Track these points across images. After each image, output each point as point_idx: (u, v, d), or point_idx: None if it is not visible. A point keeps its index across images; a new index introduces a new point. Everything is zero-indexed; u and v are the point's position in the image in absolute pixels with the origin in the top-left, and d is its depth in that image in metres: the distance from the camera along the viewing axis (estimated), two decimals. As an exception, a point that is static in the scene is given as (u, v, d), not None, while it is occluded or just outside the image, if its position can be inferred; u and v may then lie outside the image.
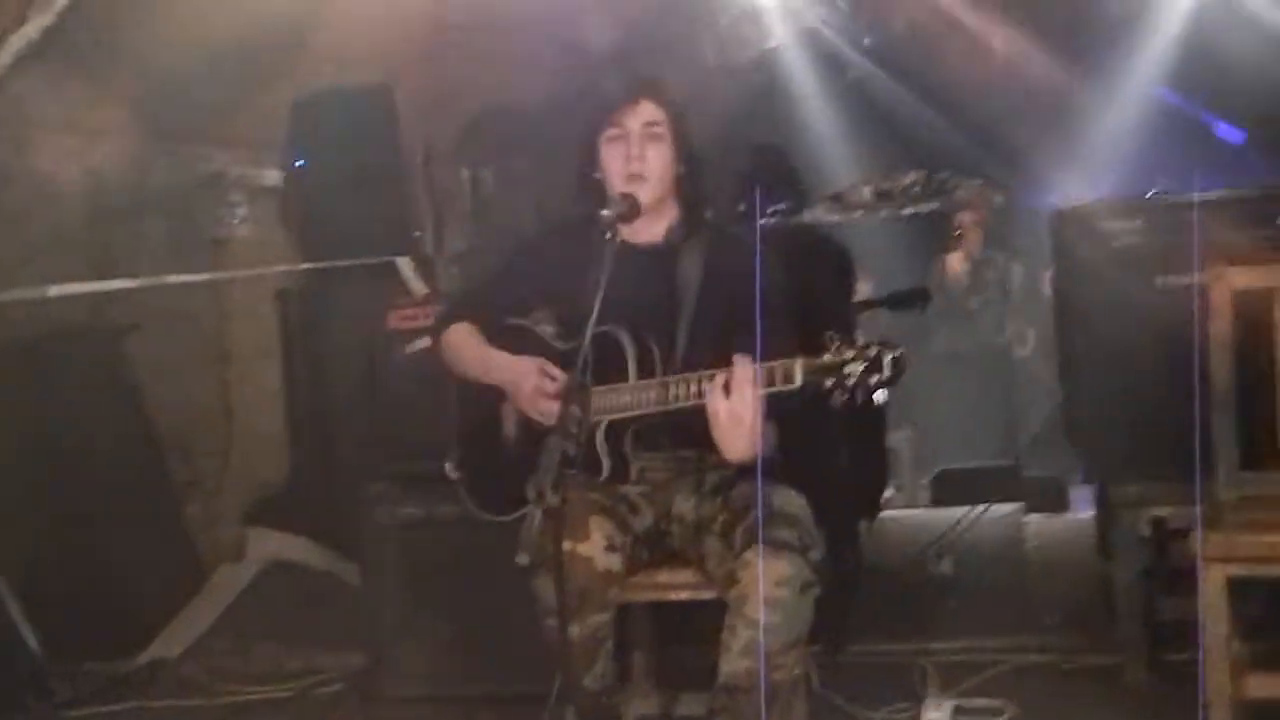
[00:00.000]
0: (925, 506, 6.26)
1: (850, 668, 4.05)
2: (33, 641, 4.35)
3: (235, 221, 6.01)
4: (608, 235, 2.92)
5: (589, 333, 2.78)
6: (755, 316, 2.91)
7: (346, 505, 4.46)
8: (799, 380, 2.71)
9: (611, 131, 3.12)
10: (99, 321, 5.36)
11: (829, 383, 2.67)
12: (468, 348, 3.30)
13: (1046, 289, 7.80)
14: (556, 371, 3.06)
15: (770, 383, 2.76)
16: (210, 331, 6.11)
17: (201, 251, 5.98)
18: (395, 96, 5.70)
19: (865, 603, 4.35)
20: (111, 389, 5.30)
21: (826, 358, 2.68)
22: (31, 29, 4.63)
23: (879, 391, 2.63)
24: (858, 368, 2.64)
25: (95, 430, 5.09)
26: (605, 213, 2.97)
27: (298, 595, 5.07)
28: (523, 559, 2.53)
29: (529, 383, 3.11)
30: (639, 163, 3.10)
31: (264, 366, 6.16)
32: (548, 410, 2.99)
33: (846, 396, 2.66)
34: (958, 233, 7.59)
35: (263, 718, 4.24)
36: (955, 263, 7.53)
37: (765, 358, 2.78)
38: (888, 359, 2.63)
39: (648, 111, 3.12)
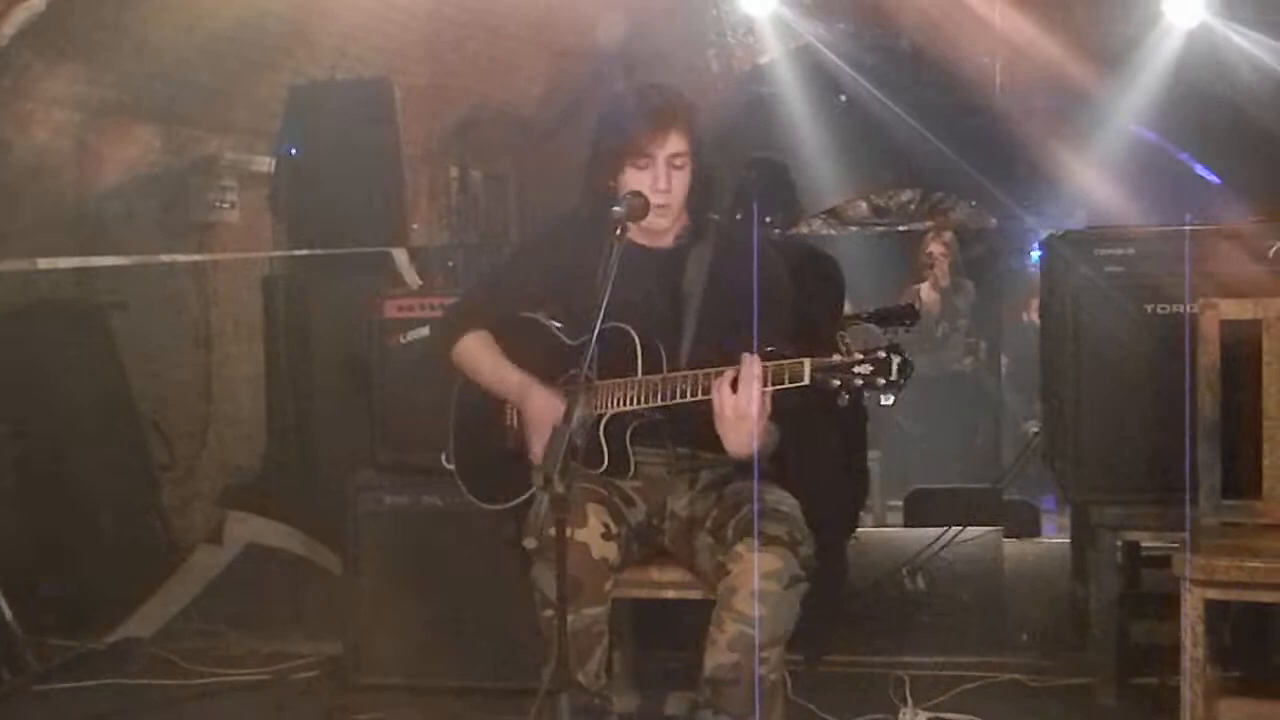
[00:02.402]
0: (895, 526, 6.33)
1: (824, 679, 4.08)
2: (8, 614, 4.31)
3: (225, 206, 6.02)
4: (616, 232, 2.95)
5: (596, 328, 2.82)
6: (758, 318, 2.98)
7: (329, 493, 4.46)
8: (807, 379, 2.77)
9: (639, 160, 3.14)
10: (85, 297, 5.34)
11: (836, 383, 2.73)
12: (482, 358, 3.33)
13: (1024, 315, 7.94)
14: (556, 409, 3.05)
15: (779, 380, 2.81)
16: (194, 314, 6.12)
17: (190, 234, 5.99)
18: (393, 91, 5.72)
19: (839, 617, 4.39)
20: (94, 365, 5.29)
21: (836, 358, 2.74)
22: (38, 1, 4.62)
23: (886, 394, 2.70)
24: (866, 369, 2.71)
25: (76, 405, 5.08)
26: (616, 209, 3.00)
27: (275, 580, 5.06)
28: (530, 543, 2.55)
29: (544, 418, 3.10)
30: (665, 195, 3.14)
31: (246, 351, 6.18)
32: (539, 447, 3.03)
33: (850, 397, 2.72)
34: (929, 262, 7.70)
35: (236, 701, 4.21)
36: (925, 291, 7.65)
37: (772, 358, 2.84)
38: (895, 362, 2.70)
39: (675, 143, 3.14)
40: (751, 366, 2.82)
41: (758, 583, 2.89)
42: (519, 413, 3.26)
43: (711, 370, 2.91)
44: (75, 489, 4.97)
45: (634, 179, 3.14)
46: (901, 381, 2.72)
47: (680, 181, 3.16)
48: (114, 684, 4.32)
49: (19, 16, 4.65)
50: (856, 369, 2.73)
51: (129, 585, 4.96)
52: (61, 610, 4.70)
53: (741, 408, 2.83)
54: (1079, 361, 3.85)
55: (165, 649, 4.56)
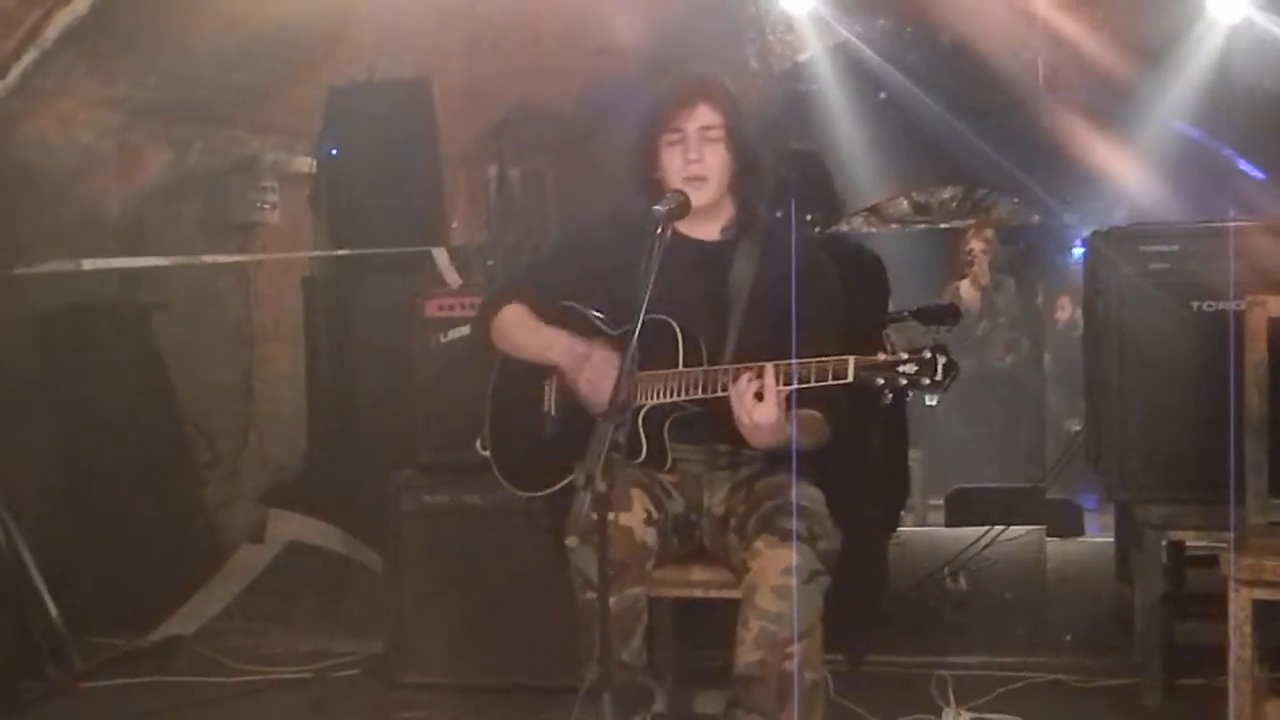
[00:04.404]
0: (936, 526, 6.30)
1: (866, 679, 4.06)
2: (54, 612, 4.35)
3: (266, 207, 6.05)
4: (658, 230, 2.95)
5: (640, 320, 2.81)
6: (802, 315, 2.98)
7: (370, 491, 4.47)
8: (851, 376, 2.76)
9: (670, 135, 3.16)
10: (129, 298, 5.38)
11: (880, 381, 2.72)
12: (524, 326, 3.30)
13: (1062, 313, 7.89)
14: (615, 360, 3.04)
15: (823, 377, 2.80)
16: (235, 314, 6.16)
17: (231, 234, 6.02)
18: (432, 91, 5.74)
19: (881, 617, 4.37)
20: (138, 365, 5.33)
21: (881, 356, 2.74)
22: (80, 4, 4.65)
23: (930, 394, 2.69)
24: (911, 369, 2.69)
25: (121, 404, 5.12)
26: (657, 208, 3.00)
27: (317, 578, 5.09)
28: (572, 541, 2.55)
29: (590, 366, 3.13)
30: (698, 165, 3.14)
31: (287, 351, 6.21)
32: (601, 399, 3.00)
33: (894, 396, 2.71)
34: (969, 260, 7.66)
35: (279, 699, 4.24)
36: (965, 288, 7.60)
37: (817, 354, 2.83)
38: (941, 363, 2.69)
39: (705, 115, 3.15)
40: (768, 376, 2.83)
41: (770, 579, 2.90)
42: (564, 380, 3.21)
43: (745, 367, 2.91)
44: (119, 488, 5.01)
45: (668, 157, 3.16)
46: (946, 382, 2.71)
47: (715, 155, 3.15)
48: (158, 682, 4.36)
49: (61, 19, 4.67)
50: (901, 368, 2.72)
51: (172, 584, 5.00)
52: (106, 609, 4.74)
53: (757, 418, 2.83)
54: (1124, 359, 3.81)
55: (208, 647, 4.60)
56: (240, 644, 4.62)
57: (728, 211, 3.24)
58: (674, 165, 3.15)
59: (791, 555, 2.89)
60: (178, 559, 5.13)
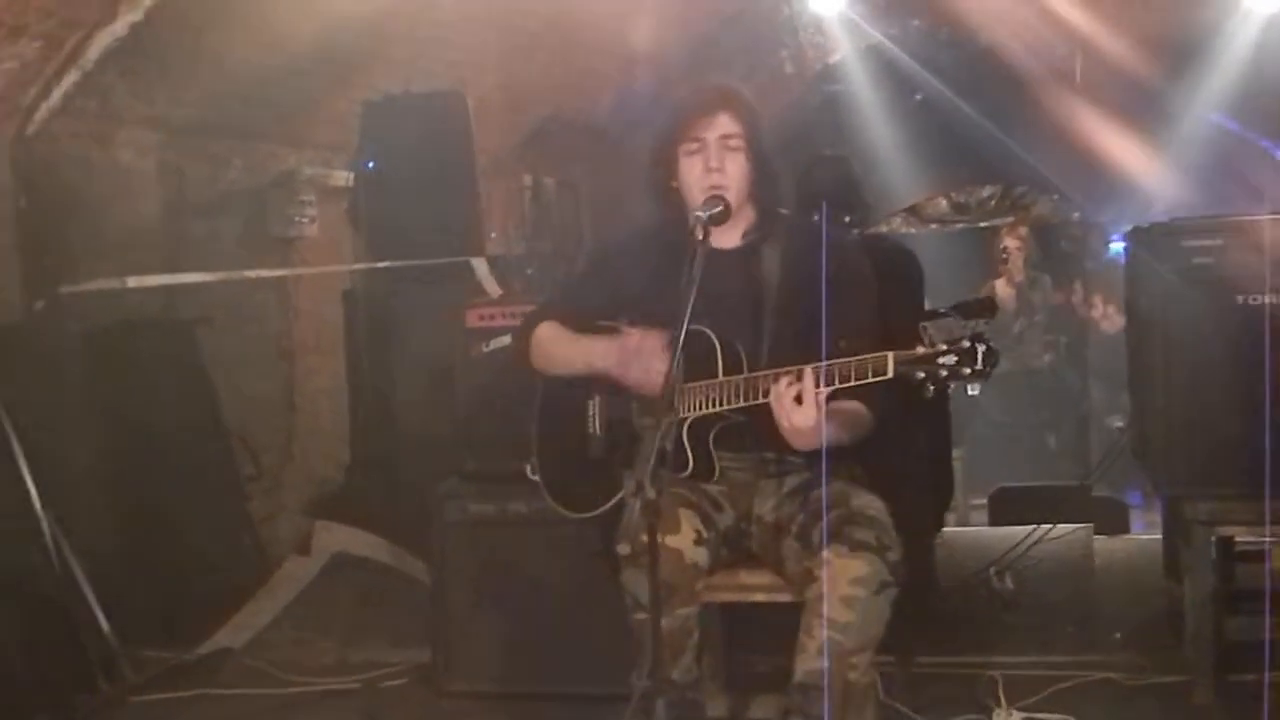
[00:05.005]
0: (978, 525, 6.26)
1: (916, 680, 4.04)
2: (105, 625, 4.39)
3: (305, 221, 6.10)
4: (700, 236, 2.96)
5: (682, 332, 2.82)
6: (836, 315, 2.97)
7: (414, 501, 4.49)
8: (891, 372, 2.75)
9: (689, 145, 3.16)
10: (172, 314, 5.43)
11: (921, 374, 2.71)
12: (562, 342, 3.33)
13: (1101, 309, 7.84)
14: (657, 335, 3.08)
15: (863, 375, 2.80)
16: (276, 328, 6.21)
17: (271, 249, 6.07)
18: (466, 103, 5.78)
19: (929, 617, 4.35)
20: (182, 380, 5.37)
21: (920, 350, 2.72)
22: (120, 25, 4.70)
23: (972, 383, 2.68)
24: (950, 359, 2.68)
25: (166, 419, 5.16)
26: (699, 214, 3.01)
27: (363, 589, 5.11)
28: (624, 549, 2.56)
29: (636, 351, 3.13)
30: (719, 175, 3.14)
31: (327, 364, 6.25)
32: (661, 371, 2.93)
33: (936, 389, 2.71)
34: (1004, 258, 7.62)
35: (327, 709, 4.26)
36: (1001, 287, 7.57)
37: (854, 353, 2.83)
38: (980, 351, 2.68)
39: (725, 124, 3.15)
40: (806, 379, 2.83)
41: (840, 590, 2.88)
42: (615, 381, 3.22)
43: (784, 371, 2.91)
44: (166, 502, 5.04)
45: (687, 167, 3.16)
46: (987, 370, 2.70)
47: (736, 165, 3.15)
48: (207, 694, 4.38)
49: (102, 40, 4.73)
50: (941, 359, 2.71)
51: (220, 597, 5.03)
52: (155, 622, 4.77)
53: (797, 421, 2.84)
54: (1168, 355, 3.79)
55: (258, 659, 4.63)
56: (289, 655, 4.65)
57: (748, 217, 3.24)
58: (693, 175, 3.15)
59: (863, 566, 2.89)
60: (225, 572, 5.17)
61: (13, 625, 4.11)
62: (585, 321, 3.32)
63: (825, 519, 2.97)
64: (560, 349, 3.33)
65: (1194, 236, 3.78)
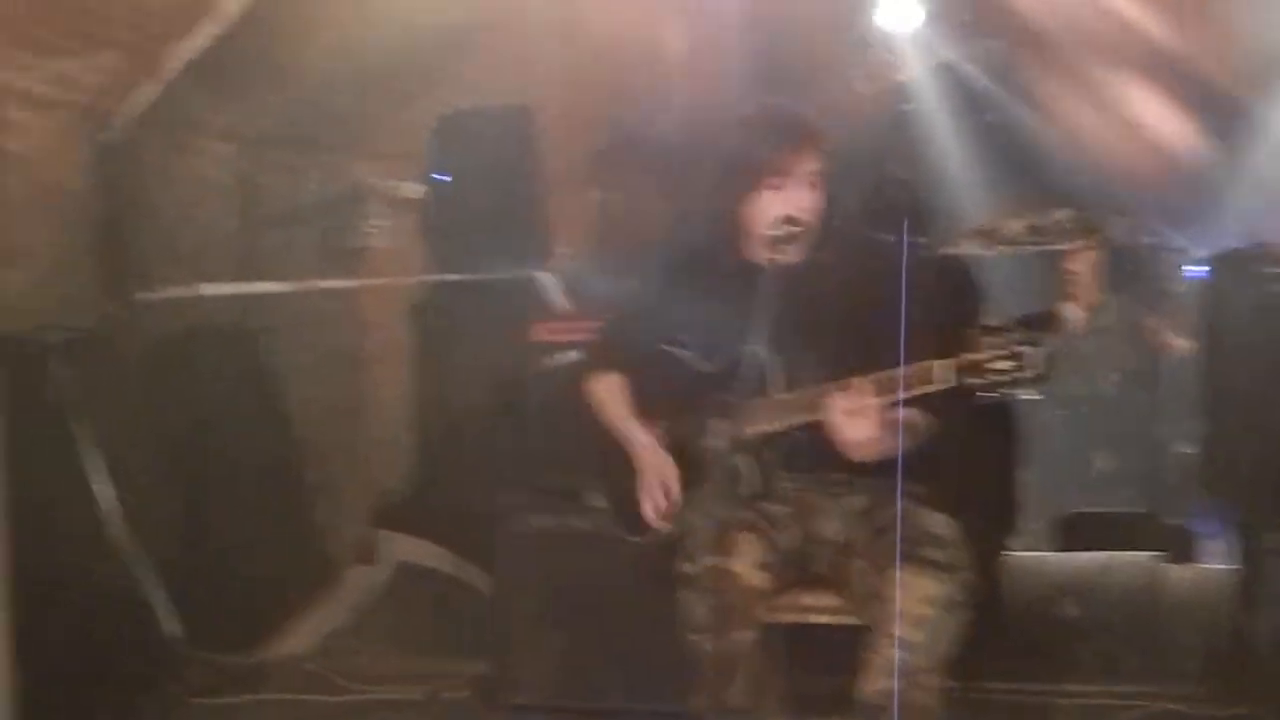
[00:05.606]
0: (1042, 550, 6.18)
1: (978, 704, 4.00)
2: (172, 628, 4.44)
3: (375, 232, 6.15)
4: (772, 259, 2.97)
5: (744, 351, 2.83)
6: (892, 328, 2.94)
7: (479, 513, 4.51)
8: (950, 381, 2.74)
9: (771, 180, 3.15)
10: (243, 322, 5.49)
11: (978, 382, 2.69)
12: (605, 409, 3.43)
13: (1172, 334, 7.73)
14: (674, 487, 3.18)
15: (924, 383, 2.79)
16: (344, 338, 6.26)
17: (341, 259, 6.13)
18: (535, 118, 5.82)
19: (992, 641, 4.30)
20: (251, 388, 5.43)
21: (975, 356, 2.70)
22: (199, 39, 4.77)
23: (1032, 389, 2.67)
24: (1009, 364, 2.66)
25: (236, 427, 5.21)
26: (775, 233, 3.02)
27: (426, 599, 5.14)
28: (688, 567, 2.57)
29: (648, 480, 3.23)
30: (797, 208, 3.14)
31: (394, 374, 6.29)
32: (650, 515, 3.16)
33: (999, 396, 2.70)
34: (1071, 280, 7.53)
35: (388, 718, 4.28)
36: (1069, 310, 7.47)
37: (909, 362, 2.83)
38: (1040, 355, 2.65)
39: (808, 160, 3.15)
40: (864, 392, 2.81)
41: (909, 609, 2.88)
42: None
43: (845, 383, 2.91)
44: (233, 509, 5.09)
45: (765, 200, 3.14)
46: (1049, 375, 2.67)
47: (813, 199, 3.16)
48: (272, 699, 4.42)
49: (181, 53, 4.80)
50: (1000, 365, 2.69)
51: (284, 603, 5.08)
52: (220, 627, 4.81)
53: (855, 435, 2.84)
54: (1247, 382, 3.75)
55: (321, 666, 4.66)
56: (352, 663, 4.67)
57: (812, 235, 3.23)
58: (771, 210, 3.14)
59: (933, 585, 2.88)
60: (289, 579, 5.21)
61: (80, 626, 4.16)
62: (644, 350, 3.35)
63: (895, 537, 2.96)
64: (605, 411, 3.42)
65: (1273, 264, 3.74)
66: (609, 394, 3.42)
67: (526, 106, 5.94)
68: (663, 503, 3.18)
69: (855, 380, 2.87)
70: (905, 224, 4.08)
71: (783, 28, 6.64)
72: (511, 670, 4.21)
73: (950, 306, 3.38)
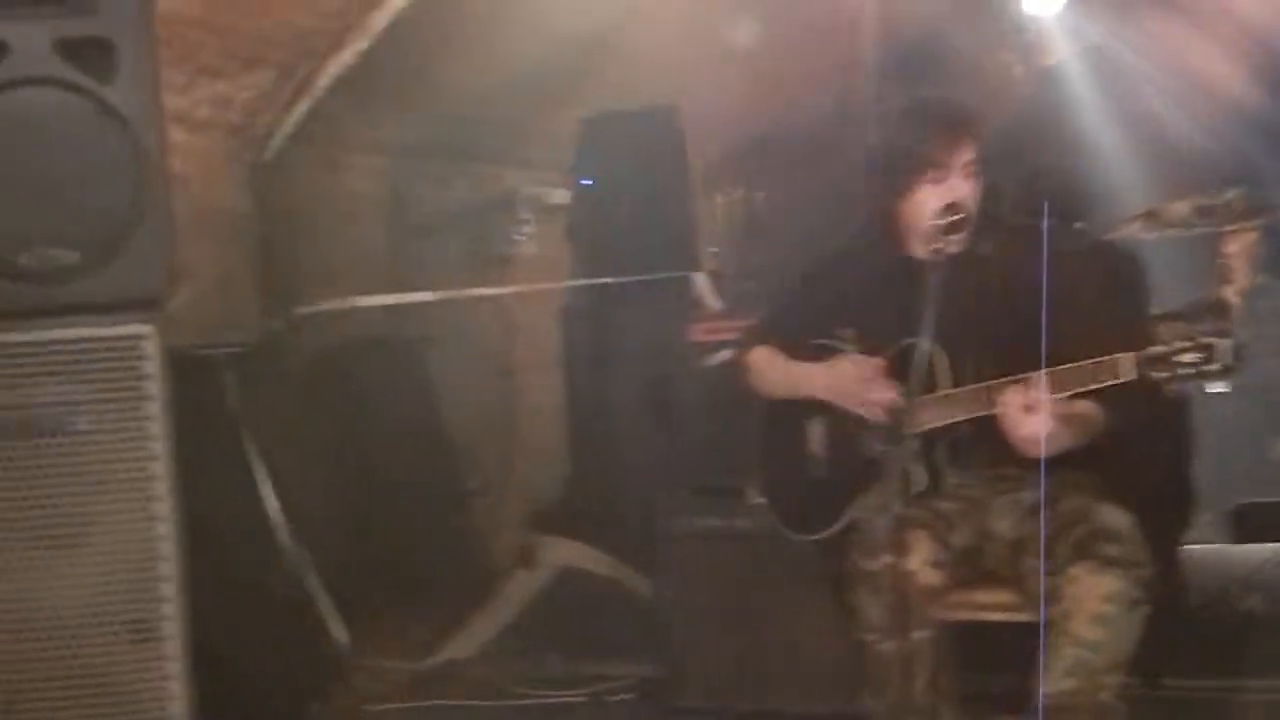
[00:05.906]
0: (1217, 542, 5.98)
1: (1161, 702, 3.88)
2: (341, 636, 4.51)
3: (523, 239, 6.19)
4: (936, 251, 2.91)
5: (907, 346, 2.77)
6: (1061, 319, 2.85)
7: (638, 516, 4.51)
8: (1132, 374, 2.64)
9: (932, 173, 3.09)
10: (397, 333, 5.57)
11: (1162, 374, 2.59)
12: (773, 368, 3.35)
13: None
14: (872, 362, 3.06)
15: (1102, 378, 2.69)
16: (496, 345, 6.31)
17: (491, 267, 6.18)
18: (681, 118, 5.80)
19: (1174, 637, 4.16)
20: (407, 396, 5.50)
21: (1158, 348, 2.60)
22: (348, 54, 4.85)
23: (1218, 381, 2.55)
24: (1194, 356, 2.56)
25: (395, 435, 5.29)
26: (939, 223, 2.95)
27: (589, 603, 5.15)
28: (869, 564, 2.52)
29: (852, 380, 3.11)
30: (960, 199, 3.07)
31: (546, 379, 6.33)
32: (879, 400, 3.00)
33: (1181, 387, 2.59)
34: (1227, 264, 7.26)
35: (555, 721, 4.31)
36: (1228, 294, 7.20)
37: (1083, 357, 2.75)
38: (1226, 346, 2.54)
39: (967, 150, 3.09)
40: (1038, 388, 2.74)
41: (1090, 607, 2.80)
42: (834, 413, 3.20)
43: (1019, 378, 2.82)
44: (395, 516, 5.17)
45: (924, 193, 3.08)
46: (1236, 366, 2.55)
47: (973, 189, 3.10)
48: (439, 705, 4.46)
49: (331, 70, 4.89)
50: (1183, 357, 2.58)
51: (448, 609, 5.13)
52: (385, 633, 4.89)
53: (1029, 432, 2.76)
54: None
55: (487, 670, 4.70)
56: (517, 668, 4.70)
57: (972, 225, 3.15)
58: (930, 203, 3.08)
59: (1113, 582, 2.80)
60: (452, 585, 5.27)
61: (249, 633, 4.25)
62: (800, 341, 3.30)
63: (1078, 534, 2.88)
64: (773, 375, 3.34)
65: None
66: (766, 357, 3.36)
67: (672, 105, 5.93)
68: (885, 395, 3.03)
69: (1031, 374, 2.78)
70: (1063, 211, 4.00)
71: (933, 14, 6.53)
72: (677, 672, 4.18)
73: (1121, 295, 3.28)
